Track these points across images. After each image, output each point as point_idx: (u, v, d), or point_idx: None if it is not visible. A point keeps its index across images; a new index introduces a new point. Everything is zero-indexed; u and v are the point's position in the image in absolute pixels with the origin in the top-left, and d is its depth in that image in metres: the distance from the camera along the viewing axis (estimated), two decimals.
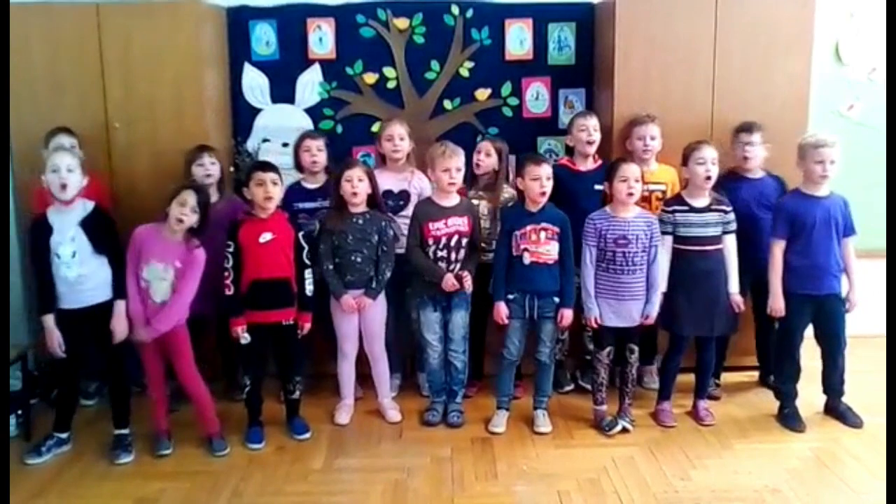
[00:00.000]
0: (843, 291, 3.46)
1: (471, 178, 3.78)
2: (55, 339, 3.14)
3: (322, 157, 3.77)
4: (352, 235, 3.46)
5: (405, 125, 3.78)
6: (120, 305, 3.18)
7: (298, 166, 3.81)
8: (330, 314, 3.58)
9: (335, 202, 3.50)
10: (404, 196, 3.76)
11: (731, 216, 3.48)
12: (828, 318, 3.47)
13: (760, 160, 3.71)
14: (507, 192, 3.73)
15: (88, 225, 3.13)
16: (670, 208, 3.49)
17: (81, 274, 3.12)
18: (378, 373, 3.68)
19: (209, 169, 3.64)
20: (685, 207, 3.46)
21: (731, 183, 3.68)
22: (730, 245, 3.49)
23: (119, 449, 3.26)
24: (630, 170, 3.34)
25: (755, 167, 3.72)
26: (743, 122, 3.72)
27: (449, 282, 3.43)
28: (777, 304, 3.45)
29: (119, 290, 3.19)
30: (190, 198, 3.15)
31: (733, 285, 3.49)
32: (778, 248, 3.43)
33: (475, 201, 3.67)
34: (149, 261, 3.19)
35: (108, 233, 3.19)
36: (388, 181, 3.72)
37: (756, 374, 4.05)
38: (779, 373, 3.65)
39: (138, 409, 3.48)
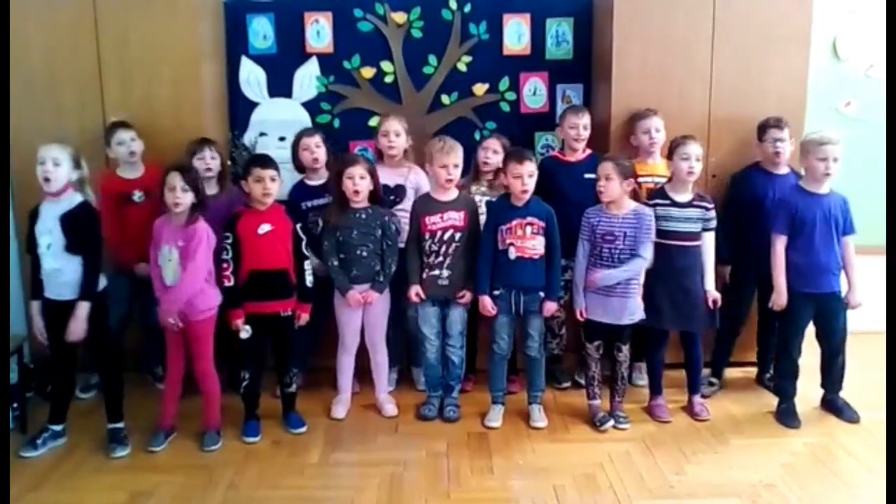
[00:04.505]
0: (842, 290, 3.46)
1: (474, 173, 3.78)
2: (36, 327, 3.19)
3: (322, 154, 3.75)
4: (356, 230, 3.47)
5: (402, 121, 3.77)
6: (82, 307, 3.10)
7: (299, 167, 3.79)
8: (325, 307, 3.57)
9: (336, 198, 3.50)
10: (400, 191, 3.76)
11: (712, 213, 3.47)
12: (828, 317, 3.47)
13: (789, 155, 3.70)
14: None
15: (67, 220, 3.08)
16: (652, 201, 3.49)
17: (55, 268, 3.10)
18: (377, 364, 3.68)
19: (209, 163, 3.66)
20: (667, 201, 3.46)
21: (758, 178, 3.70)
22: (708, 242, 3.49)
23: (115, 442, 3.26)
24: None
25: (784, 162, 3.71)
26: (770, 118, 3.69)
27: (412, 292, 3.47)
28: (781, 299, 3.44)
29: (86, 291, 3.11)
30: (176, 180, 3.14)
31: (709, 282, 3.49)
32: (780, 243, 3.43)
33: (478, 197, 3.66)
34: (160, 246, 3.22)
35: (87, 232, 3.11)
36: (385, 176, 3.70)
37: (753, 370, 4.06)
38: (778, 370, 3.67)
39: (137, 402, 3.50)
